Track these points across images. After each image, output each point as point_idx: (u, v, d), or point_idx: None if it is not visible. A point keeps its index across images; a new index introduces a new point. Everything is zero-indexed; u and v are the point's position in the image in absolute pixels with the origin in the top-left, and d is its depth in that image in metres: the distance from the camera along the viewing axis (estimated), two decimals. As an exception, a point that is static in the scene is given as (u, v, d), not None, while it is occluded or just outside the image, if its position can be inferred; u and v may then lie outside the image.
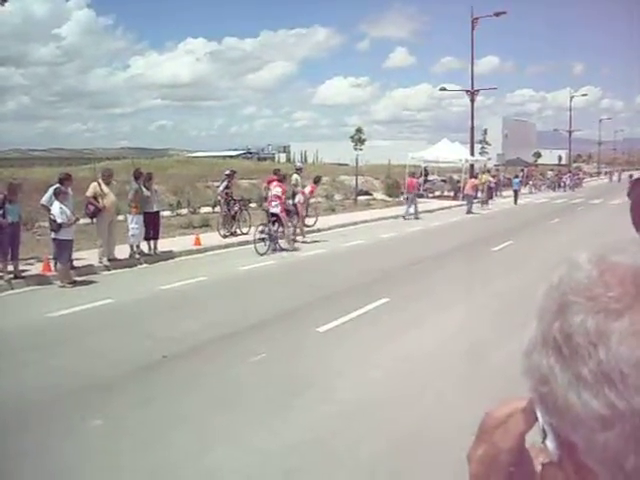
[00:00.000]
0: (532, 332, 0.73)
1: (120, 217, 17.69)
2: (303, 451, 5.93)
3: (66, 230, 13.87)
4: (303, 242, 20.99)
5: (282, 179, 20.50)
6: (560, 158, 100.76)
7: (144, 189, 17.03)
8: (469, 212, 33.14)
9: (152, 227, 17.26)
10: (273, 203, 19.32)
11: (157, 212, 17.56)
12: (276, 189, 19.65)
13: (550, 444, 0.72)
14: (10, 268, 14.04)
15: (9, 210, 13.90)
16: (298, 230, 21.04)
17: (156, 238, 17.46)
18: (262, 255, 17.98)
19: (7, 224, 13.78)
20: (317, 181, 24.02)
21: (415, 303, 12.05)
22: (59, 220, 13.75)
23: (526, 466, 0.78)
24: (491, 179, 41.77)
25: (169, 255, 17.42)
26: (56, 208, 13.86)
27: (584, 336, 0.66)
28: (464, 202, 35.49)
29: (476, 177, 38.28)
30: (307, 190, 22.72)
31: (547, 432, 0.72)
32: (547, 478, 0.74)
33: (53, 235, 13.93)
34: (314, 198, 22.96)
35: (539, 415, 0.73)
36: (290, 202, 20.50)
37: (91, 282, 14.19)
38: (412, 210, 30.29)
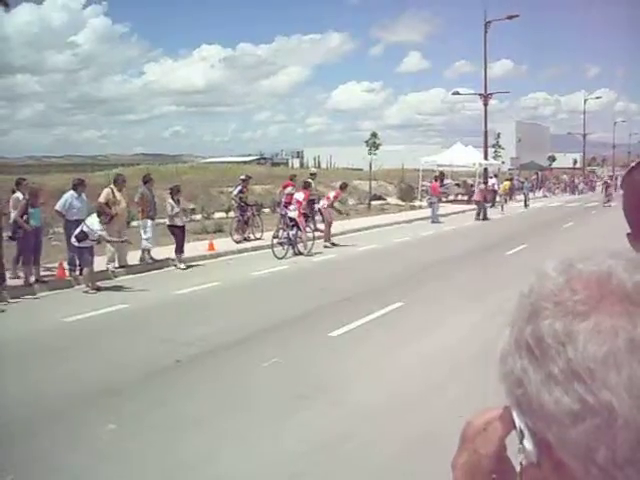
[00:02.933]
0: (506, 339, 0.77)
1: (135, 223, 17.75)
2: (314, 455, 5.95)
3: (90, 240, 13.99)
4: (325, 246, 21.01)
5: (307, 186, 21.15)
6: (575, 161, 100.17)
7: (174, 204, 17.12)
8: (478, 218, 32.53)
9: (178, 240, 17.21)
10: (291, 207, 19.44)
11: (183, 226, 17.52)
12: (299, 194, 19.84)
13: (527, 444, 0.74)
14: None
15: (32, 215, 14.02)
16: (311, 234, 21.06)
17: (181, 252, 17.35)
18: (280, 259, 18.06)
19: (31, 229, 13.90)
20: (343, 187, 24.09)
21: (429, 307, 12.04)
22: (93, 236, 13.86)
23: (507, 471, 0.80)
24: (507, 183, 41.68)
25: (183, 260, 17.45)
26: (95, 224, 13.93)
27: (553, 337, 0.69)
28: (476, 207, 35.49)
29: (486, 183, 37.67)
30: (332, 195, 22.78)
31: (524, 433, 0.75)
32: (526, 478, 0.76)
33: (76, 243, 13.93)
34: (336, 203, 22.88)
35: (515, 417, 0.76)
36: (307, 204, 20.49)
37: (106, 288, 14.26)
38: (434, 213, 30.48)
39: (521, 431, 0.75)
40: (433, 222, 29.88)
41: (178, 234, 17.20)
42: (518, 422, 0.75)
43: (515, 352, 0.74)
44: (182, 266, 16.96)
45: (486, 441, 0.80)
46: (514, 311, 0.77)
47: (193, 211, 19.15)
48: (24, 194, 14.69)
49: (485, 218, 32.61)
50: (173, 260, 17.27)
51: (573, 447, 0.69)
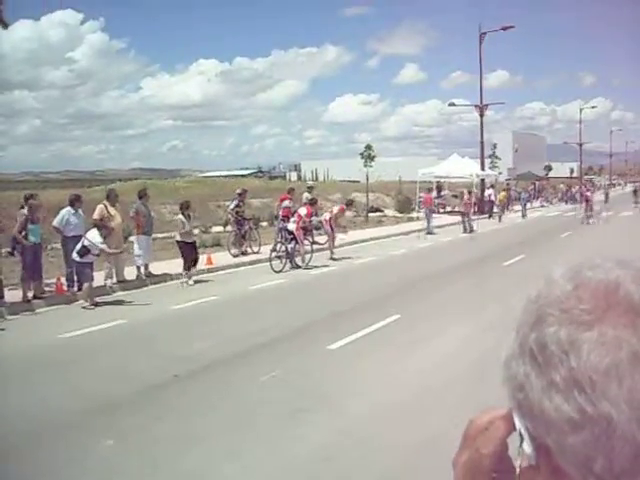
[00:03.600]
0: (511, 343, 0.78)
1: (132, 238, 17.73)
2: (313, 470, 5.96)
3: (91, 255, 14.04)
4: (332, 259, 21.08)
5: (314, 203, 21.63)
6: (572, 171, 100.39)
7: (184, 219, 17.10)
8: (465, 231, 31.21)
9: (186, 257, 17.11)
10: (292, 219, 19.52)
11: (193, 243, 17.45)
12: (302, 209, 19.95)
13: (527, 448, 0.76)
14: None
15: (31, 231, 14.05)
16: (309, 247, 21.08)
17: (194, 266, 17.26)
18: (278, 272, 18.07)
19: (30, 245, 13.93)
20: (349, 204, 24.17)
21: (426, 319, 12.04)
22: (95, 250, 13.91)
23: (508, 471, 0.81)
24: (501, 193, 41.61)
25: (181, 275, 17.45)
26: (96, 237, 13.98)
27: (557, 345, 0.70)
28: (472, 218, 35.43)
29: (470, 193, 35.38)
30: (336, 209, 22.81)
31: (524, 436, 0.76)
32: None
33: (78, 258, 13.97)
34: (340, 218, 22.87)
35: (516, 420, 0.77)
36: (308, 220, 20.46)
37: (104, 303, 14.27)
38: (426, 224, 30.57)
39: (521, 434, 0.77)
40: (428, 233, 29.92)
41: (186, 250, 17.05)
42: (518, 425, 0.77)
43: (519, 357, 0.75)
44: (191, 282, 16.78)
45: (488, 440, 0.81)
46: (520, 316, 0.79)
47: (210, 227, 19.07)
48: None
49: (471, 230, 31.24)
50: (177, 275, 17.23)
51: (571, 454, 0.70)
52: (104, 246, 14.11)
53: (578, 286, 0.74)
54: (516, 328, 0.78)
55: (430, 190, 34.58)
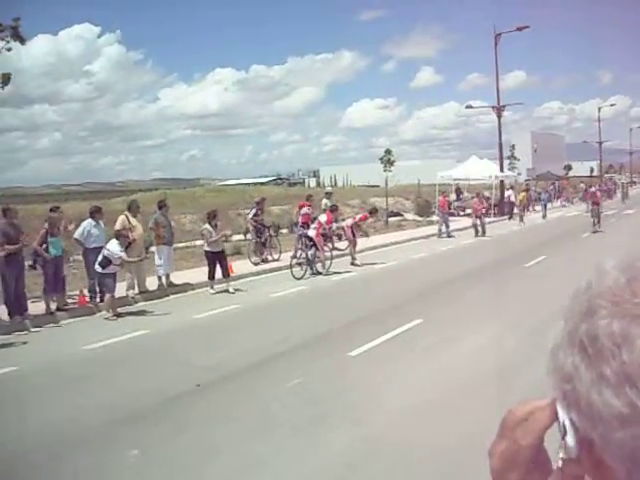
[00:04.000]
0: (559, 332, 0.77)
1: (153, 248, 17.74)
2: (336, 477, 5.97)
3: (114, 266, 14.14)
4: (354, 264, 21.11)
5: (334, 209, 21.58)
6: (592, 170, 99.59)
7: (211, 229, 17.18)
8: (477, 234, 30.27)
9: (222, 266, 17.18)
10: (312, 226, 19.55)
11: (222, 250, 17.45)
12: (322, 216, 20.03)
13: (570, 440, 0.76)
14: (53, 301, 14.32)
15: (52, 243, 14.17)
16: (329, 253, 21.07)
17: (227, 275, 17.35)
18: (298, 279, 18.11)
19: (50, 258, 14.05)
20: (373, 213, 24.02)
21: (449, 323, 12.01)
22: (116, 261, 14.01)
23: (544, 463, 0.82)
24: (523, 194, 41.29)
25: (202, 284, 17.51)
26: (115, 247, 14.10)
27: (609, 338, 0.70)
28: (493, 219, 35.25)
29: (479, 195, 33.58)
30: (358, 217, 22.77)
31: (567, 429, 0.76)
32: (566, 473, 0.78)
33: (100, 269, 14.10)
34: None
35: (560, 412, 0.77)
36: (328, 227, 20.43)
37: (127, 314, 14.35)
38: (444, 229, 30.44)
39: (564, 426, 0.76)
40: (448, 237, 29.89)
41: (212, 259, 17.11)
42: (562, 417, 0.77)
43: (567, 347, 0.75)
44: (231, 290, 16.93)
45: (527, 432, 0.81)
46: (568, 305, 0.78)
47: (231, 236, 18.97)
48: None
49: (483, 234, 30.40)
50: (198, 285, 17.34)
51: (618, 449, 0.70)
52: (123, 254, 14.19)
53: (632, 279, 0.73)
54: (565, 316, 0.78)
55: (444, 193, 34.28)
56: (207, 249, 17.29)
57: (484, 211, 31.90)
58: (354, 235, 21.47)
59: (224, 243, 18.04)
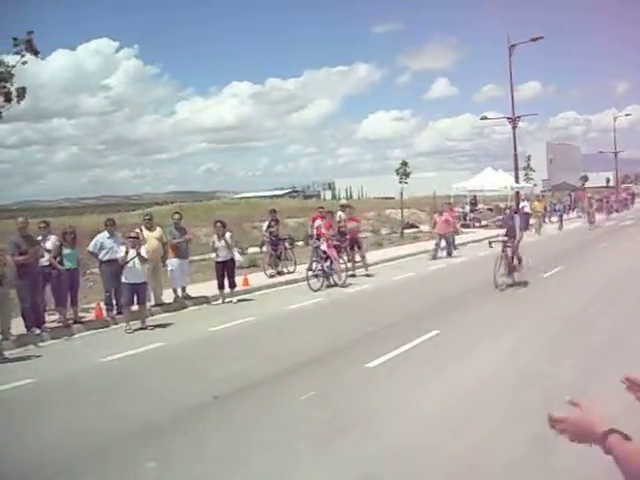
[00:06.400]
0: None
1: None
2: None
3: (131, 274, 14.10)
4: (366, 275, 21.28)
5: (329, 213, 21.57)
6: (608, 180, 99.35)
7: (215, 239, 17.31)
8: (434, 256, 26.10)
9: (227, 276, 17.35)
10: (322, 239, 19.57)
11: (229, 260, 17.41)
12: (318, 221, 20.18)
13: None
14: (70, 313, 14.37)
15: (66, 256, 14.24)
16: (344, 265, 21.07)
17: (233, 287, 17.54)
18: (315, 291, 18.12)
19: (64, 270, 14.11)
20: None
21: (465, 334, 11.96)
22: (122, 258, 14.01)
23: None
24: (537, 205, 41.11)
25: (218, 297, 17.52)
26: (120, 251, 14.18)
27: None
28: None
29: (452, 208, 30.44)
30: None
31: None
32: None
33: (123, 279, 14.14)
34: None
35: None
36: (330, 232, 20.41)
37: (142, 327, 14.36)
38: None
39: None
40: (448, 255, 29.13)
41: (219, 269, 17.29)
42: None
43: None
44: (235, 300, 17.30)
45: None
46: None
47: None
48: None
49: (449, 254, 26.80)
50: (213, 297, 17.41)
51: None
52: (123, 247, 14.25)
53: None
54: None
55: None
56: (216, 260, 17.50)
57: (452, 229, 27.81)
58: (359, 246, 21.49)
59: (239, 254, 18.07)
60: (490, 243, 18.64)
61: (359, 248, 22.11)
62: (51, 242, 14.53)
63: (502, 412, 7.66)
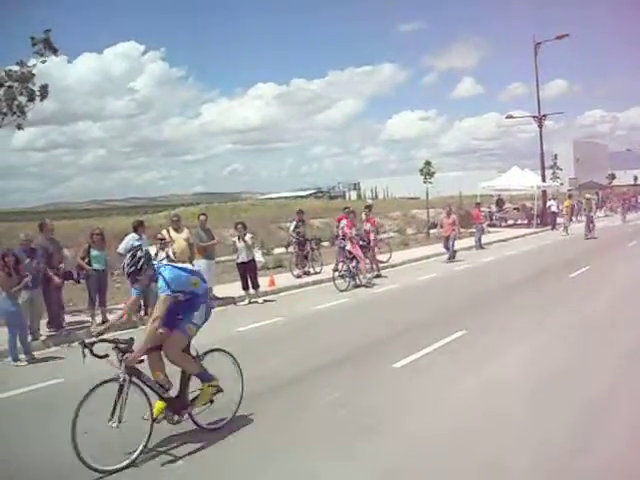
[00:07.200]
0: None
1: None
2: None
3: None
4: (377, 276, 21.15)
5: (351, 212, 21.32)
6: (635, 178, 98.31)
7: (237, 240, 17.52)
8: (449, 258, 25.43)
9: (248, 277, 17.47)
10: (344, 241, 19.58)
11: (250, 261, 17.53)
12: (342, 222, 20.18)
13: None
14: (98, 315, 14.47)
15: (95, 257, 14.34)
16: (369, 266, 21.07)
17: (256, 287, 17.61)
18: (342, 292, 18.18)
19: (92, 271, 14.22)
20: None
21: (492, 334, 11.92)
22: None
23: None
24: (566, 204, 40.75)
25: (242, 298, 17.57)
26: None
27: None
28: (537, 230, 34.65)
29: (450, 212, 27.15)
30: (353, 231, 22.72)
31: None
32: None
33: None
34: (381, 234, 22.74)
35: None
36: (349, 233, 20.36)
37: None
38: (476, 239, 30.27)
39: None
40: (477, 249, 29.62)
41: (242, 270, 17.44)
42: None
43: None
44: (260, 300, 17.41)
45: None
46: None
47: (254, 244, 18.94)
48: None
49: (452, 257, 25.60)
50: (239, 298, 17.50)
51: None
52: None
53: None
54: None
55: (477, 205, 33.74)
56: (237, 261, 17.62)
57: (454, 231, 26.08)
58: (365, 248, 20.90)
59: (261, 255, 18.13)
60: None
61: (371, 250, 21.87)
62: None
63: (529, 412, 7.62)
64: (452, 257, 25.54)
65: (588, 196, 37.73)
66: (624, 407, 7.66)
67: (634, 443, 6.51)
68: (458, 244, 26.85)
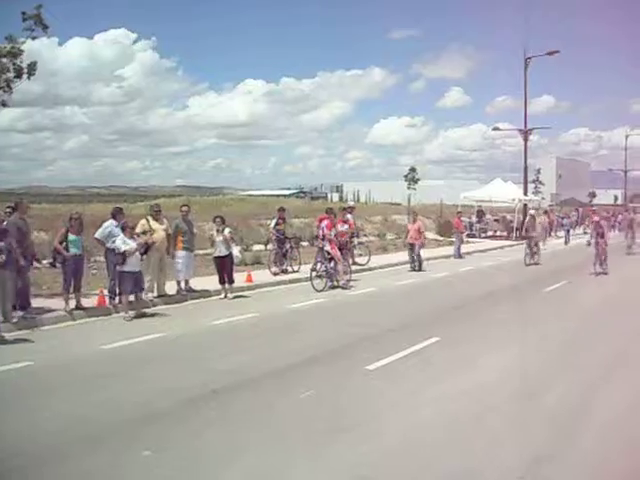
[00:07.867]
0: None
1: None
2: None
3: (132, 262, 14.13)
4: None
5: (330, 212, 20.90)
6: (616, 198, 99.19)
7: (215, 233, 17.34)
8: (414, 269, 24.29)
9: (224, 271, 17.39)
10: (323, 242, 19.50)
11: (227, 255, 17.35)
12: (322, 223, 19.93)
13: None
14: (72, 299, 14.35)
15: (72, 242, 14.21)
16: (348, 267, 21.03)
17: (230, 282, 17.53)
18: (319, 292, 18.12)
19: (70, 256, 14.09)
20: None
21: (465, 342, 11.93)
22: (123, 248, 14.00)
23: None
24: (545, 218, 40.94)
25: (219, 291, 17.51)
26: (119, 240, 14.16)
27: None
28: (516, 242, 34.75)
29: (415, 221, 25.54)
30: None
31: None
32: None
33: (118, 268, 14.20)
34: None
35: None
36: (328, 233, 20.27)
37: (144, 316, 14.35)
38: (455, 248, 30.35)
39: None
40: (455, 258, 29.68)
41: (218, 264, 17.38)
42: None
43: None
44: (230, 296, 17.26)
45: None
46: None
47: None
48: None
49: (419, 268, 24.39)
50: (215, 292, 17.41)
51: None
52: (127, 239, 14.22)
53: None
54: None
55: (459, 214, 33.85)
56: (214, 254, 17.57)
57: (419, 241, 24.88)
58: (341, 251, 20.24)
59: (238, 251, 18.00)
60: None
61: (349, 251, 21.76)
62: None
63: (501, 420, 7.62)
64: (418, 268, 24.34)
65: (532, 212, 31.45)
66: (597, 415, 7.69)
67: (605, 448, 6.54)
68: (437, 252, 26.88)
